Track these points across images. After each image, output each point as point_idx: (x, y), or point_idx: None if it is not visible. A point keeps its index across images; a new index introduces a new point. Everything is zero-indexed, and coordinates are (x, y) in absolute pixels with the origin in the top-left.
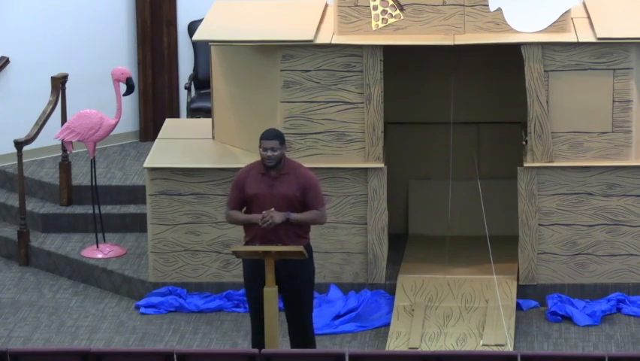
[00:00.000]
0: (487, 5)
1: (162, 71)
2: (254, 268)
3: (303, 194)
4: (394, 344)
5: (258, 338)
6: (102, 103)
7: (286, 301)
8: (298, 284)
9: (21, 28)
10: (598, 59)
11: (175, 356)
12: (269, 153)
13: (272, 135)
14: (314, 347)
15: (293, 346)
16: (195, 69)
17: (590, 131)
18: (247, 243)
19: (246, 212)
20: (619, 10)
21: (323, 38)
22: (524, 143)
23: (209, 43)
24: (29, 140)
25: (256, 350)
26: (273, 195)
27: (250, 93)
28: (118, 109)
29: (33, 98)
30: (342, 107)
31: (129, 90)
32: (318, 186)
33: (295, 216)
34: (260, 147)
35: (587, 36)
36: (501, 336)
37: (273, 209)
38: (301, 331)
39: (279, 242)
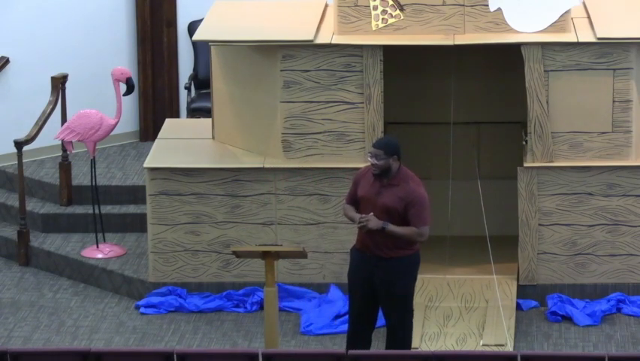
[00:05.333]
0: (487, 5)
1: (162, 71)
2: (353, 263)
3: (405, 209)
4: None
5: (351, 339)
6: (102, 103)
7: (382, 307)
8: (392, 292)
9: (21, 28)
10: (598, 59)
11: (175, 356)
12: (371, 160)
13: (378, 144)
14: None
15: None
16: (195, 69)
17: (590, 131)
18: (355, 242)
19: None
20: (619, 10)
21: (323, 38)
22: (524, 143)
23: (209, 44)
24: (29, 140)
25: (256, 350)
26: (376, 202)
27: (250, 93)
28: (118, 109)
29: (33, 98)
30: (342, 107)
31: (129, 90)
32: (423, 205)
33: (391, 228)
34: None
35: (587, 36)
36: (501, 336)
37: (372, 214)
38: (393, 339)
39: (375, 249)
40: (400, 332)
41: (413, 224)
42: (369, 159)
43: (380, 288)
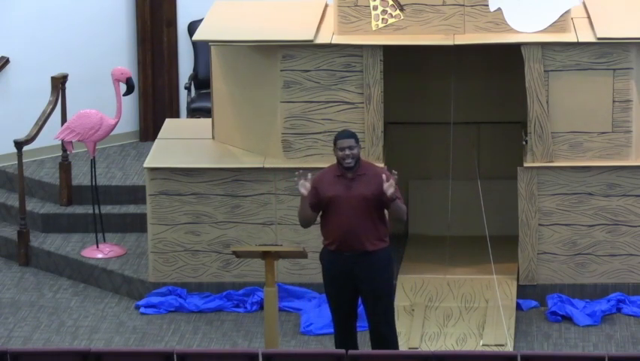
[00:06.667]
0: (487, 5)
1: (162, 71)
2: (330, 266)
3: (381, 193)
4: None
5: (338, 337)
6: (102, 103)
7: (364, 303)
8: (376, 287)
9: (21, 28)
10: (598, 59)
11: (175, 356)
12: (347, 152)
13: (347, 135)
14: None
15: (373, 349)
16: (195, 69)
17: (590, 131)
18: (327, 246)
19: (322, 216)
20: (619, 10)
21: (323, 38)
22: (524, 143)
23: (209, 44)
24: (29, 140)
25: (256, 350)
26: (350, 197)
27: (250, 93)
28: (118, 109)
29: (33, 98)
30: (342, 107)
31: (129, 90)
32: (396, 185)
33: (397, 201)
34: (336, 148)
35: (587, 36)
36: (501, 336)
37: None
38: (377, 335)
39: (358, 244)
40: (387, 329)
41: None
42: (341, 152)
43: (364, 285)
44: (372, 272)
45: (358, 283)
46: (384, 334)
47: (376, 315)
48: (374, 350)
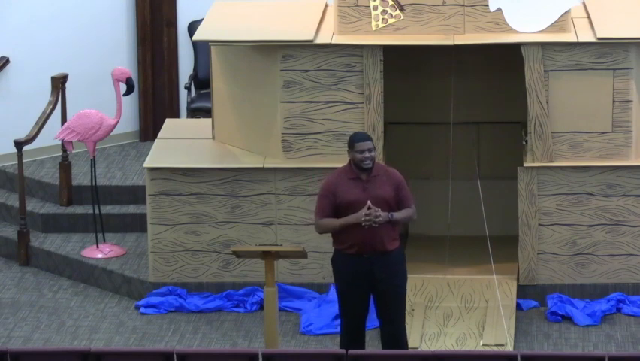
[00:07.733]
0: (487, 5)
1: (162, 71)
2: (348, 269)
3: (396, 193)
4: None
5: (347, 338)
6: (102, 103)
7: (379, 303)
8: (395, 284)
9: (21, 29)
10: (598, 59)
11: (175, 356)
12: (367, 155)
13: (365, 137)
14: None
15: (384, 348)
16: (195, 69)
17: (590, 131)
18: (343, 250)
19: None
20: (619, 10)
21: (323, 38)
22: (524, 143)
23: (209, 44)
24: (29, 140)
25: (256, 350)
26: (369, 199)
27: (250, 93)
28: (118, 109)
29: (33, 98)
30: (342, 107)
31: (129, 90)
32: (406, 184)
33: (397, 215)
34: (353, 150)
35: (587, 36)
36: (501, 336)
37: (379, 209)
38: (393, 334)
39: (378, 245)
40: (403, 326)
41: (407, 204)
42: (360, 155)
43: (383, 284)
44: (391, 271)
45: (376, 283)
46: (401, 329)
47: (393, 312)
48: (383, 349)
